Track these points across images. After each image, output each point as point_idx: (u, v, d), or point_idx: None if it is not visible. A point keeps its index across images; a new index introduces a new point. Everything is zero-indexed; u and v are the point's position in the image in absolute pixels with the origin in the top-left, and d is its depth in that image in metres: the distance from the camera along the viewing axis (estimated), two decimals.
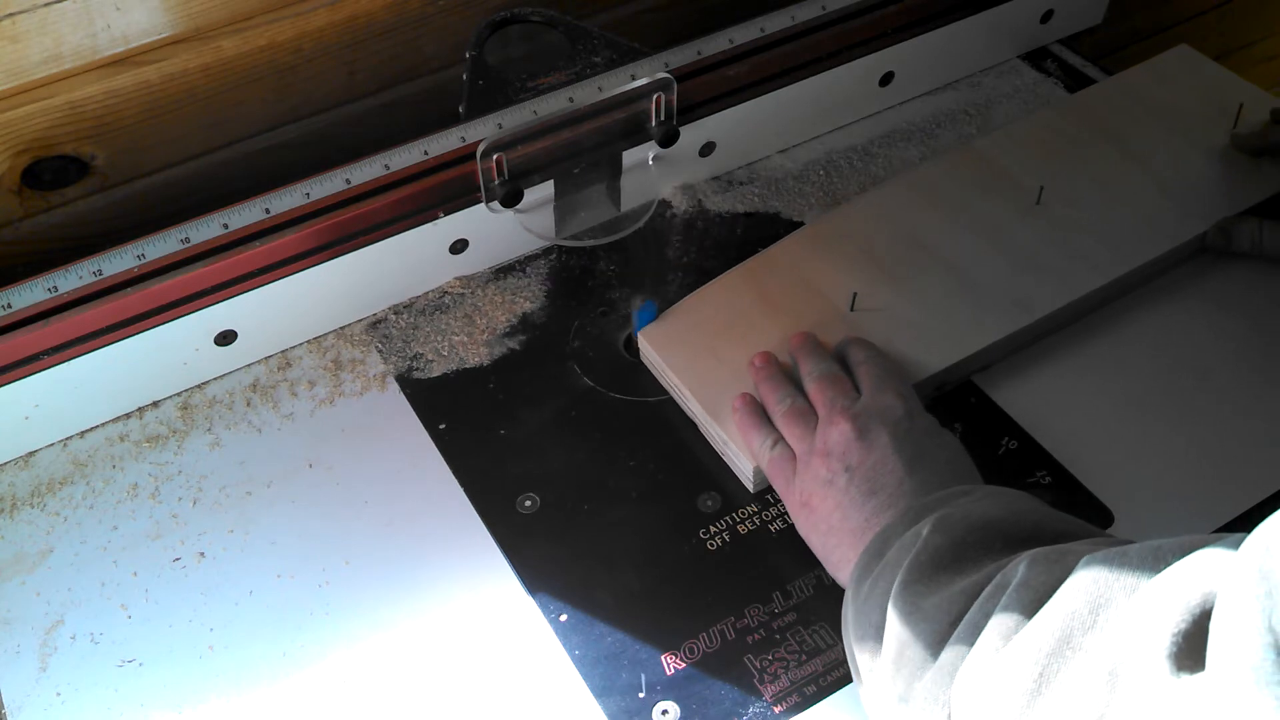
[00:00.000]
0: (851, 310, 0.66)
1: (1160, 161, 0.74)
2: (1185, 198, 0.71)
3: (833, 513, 0.54)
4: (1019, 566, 0.43)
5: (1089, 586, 0.39)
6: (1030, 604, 0.41)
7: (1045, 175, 0.72)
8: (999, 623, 0.42)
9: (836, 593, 0.56)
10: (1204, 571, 0.35)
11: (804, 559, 0.58)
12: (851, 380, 0.60)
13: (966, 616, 0.44)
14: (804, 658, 0.55)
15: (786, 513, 0.60)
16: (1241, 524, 0.59)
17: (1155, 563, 0.38)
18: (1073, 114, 0.78)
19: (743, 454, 0.60)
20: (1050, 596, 0.41)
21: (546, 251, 0.74)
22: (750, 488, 0.61)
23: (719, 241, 0.74)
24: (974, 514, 0.48)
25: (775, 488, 0.59)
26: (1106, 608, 0.38)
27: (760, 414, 0.61)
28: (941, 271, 0.68)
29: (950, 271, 0.68)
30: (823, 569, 0.57)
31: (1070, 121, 0.77)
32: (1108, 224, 0.70)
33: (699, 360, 0.64)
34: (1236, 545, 0.34)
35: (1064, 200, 0.71)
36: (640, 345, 0.67)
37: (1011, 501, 0.50)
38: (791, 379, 0.62)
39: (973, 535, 0.47)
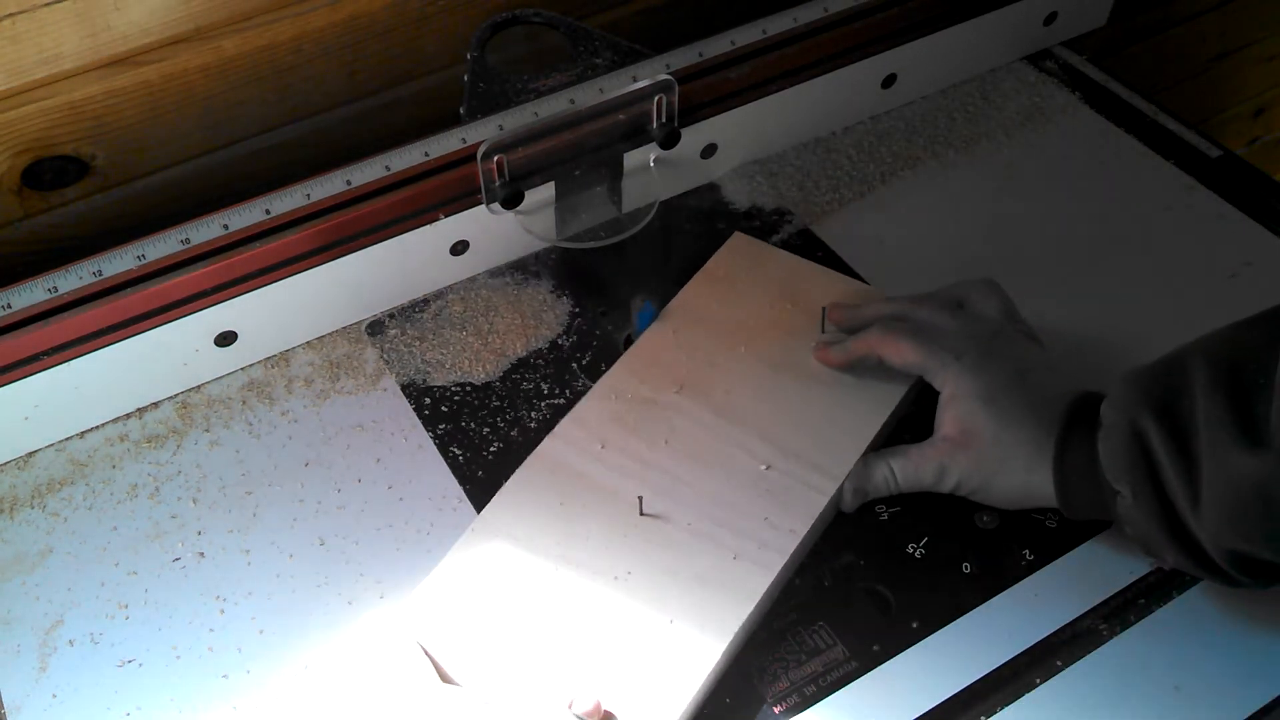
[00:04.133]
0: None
1: (755, 410, 0.61)
2: (797, 454, 0.59)
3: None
4: None
5: None
6: None
7: (636, 469, 0.59)
8: None
9: (836, 593, 0.57)
10: None
11: (803, 559, 0.58)
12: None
13: None
14: (804, 658, 0.55)
15: None
16: None
17: None
18: (642, 365, 0.64)
19: None
20: None
21: (547, 252, 0.74)
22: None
23: (720, 242, 0.74)
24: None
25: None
26: None
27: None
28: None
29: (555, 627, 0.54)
30: (822, 570, 0.57)
31: (643, 375, 0.63)
32: (719, 523, 0.57)
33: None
34: None
35: (664, 497, 0.58)
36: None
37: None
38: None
39: None
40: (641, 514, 0.57)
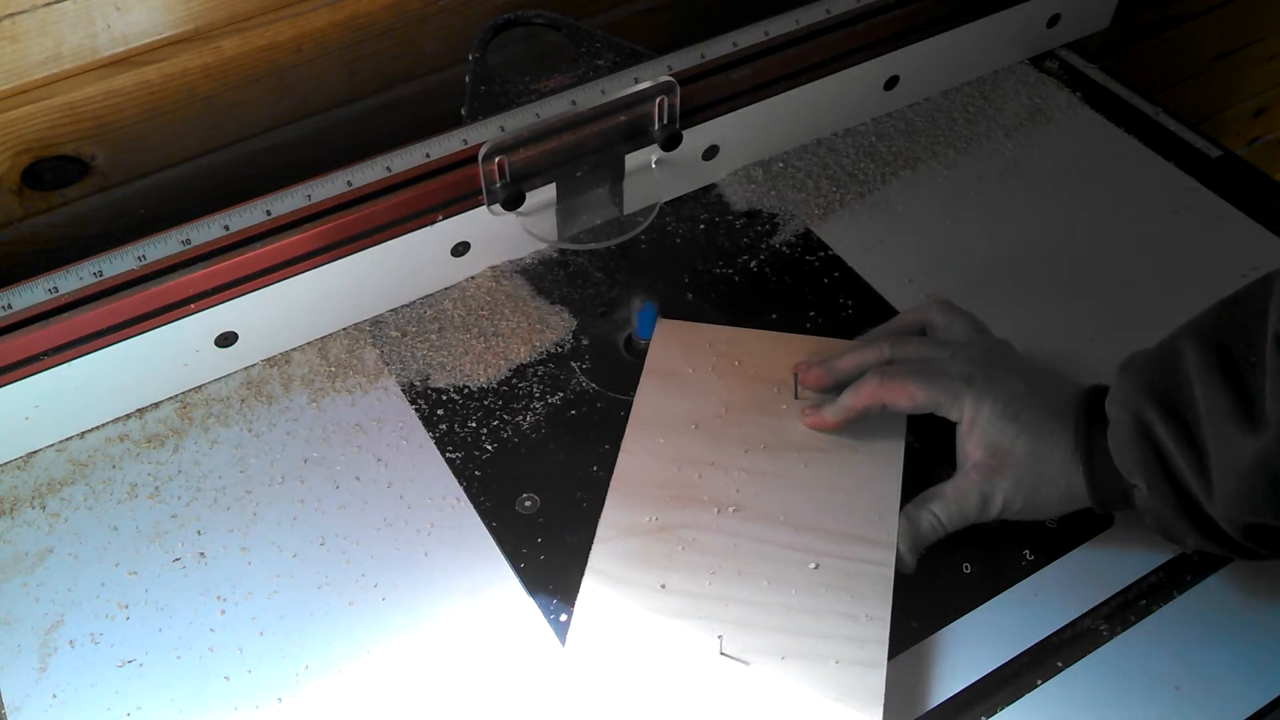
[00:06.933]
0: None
1: (775, 501, 0.58)
2: (841, 534, 0.57)
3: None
4: None
5: None
6: None
7: (690, 607, 0.55)
8: None
9: None
10: None
11: None
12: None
13: None
14: None
15: None
16: None
17: None
18: (635, 490, 0.59)
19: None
20: None
21: (548, 253, 0.74)
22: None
23: (720, 243, 0.74)
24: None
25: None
26: None
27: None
28: None
29: None
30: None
31: (641, 502, 0.59)
32: (802, 634, 0.54)
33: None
34: None
35: (734, 627, 0.54)
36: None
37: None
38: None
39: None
40: (722, 654, 0.53)
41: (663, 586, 0.55)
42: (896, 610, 0.55)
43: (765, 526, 0.58)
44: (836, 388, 0.61)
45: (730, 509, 0.58)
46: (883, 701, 0.51)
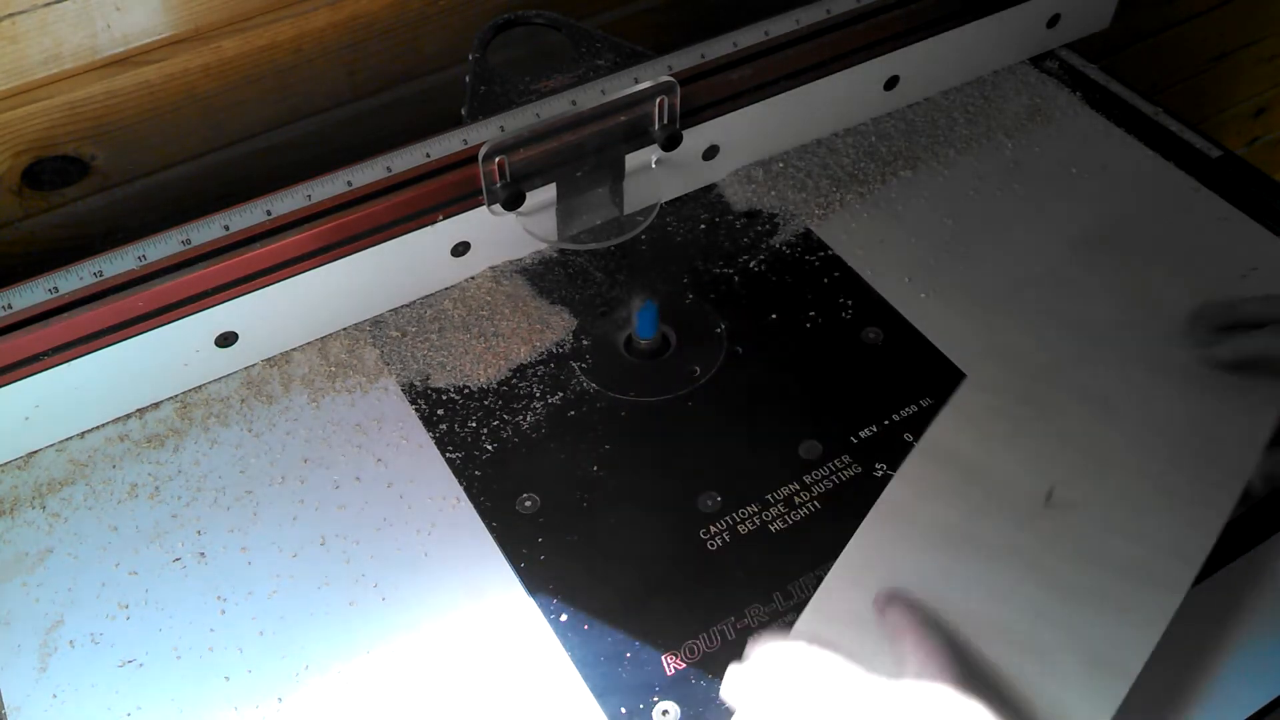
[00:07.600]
0: None
1: (1135, 398, 0.58)
2: (1196, 440, 0.56)
3: None
4: None
5: None
6: None
7: (1026, 460, 0.55)
8: None
9: None
10: None
11: (804, 558, 0.58)
12: None
13: None
14: None
15: (786, 513, 0.60)
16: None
17: None
18: (992, 371, 0.59)
19: None
20: None
21: (548, 253, 0.74)
22: None
23: (720, 243, 0.75)
24: None
25: None
26: None
27: None
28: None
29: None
30: (822, 568, 0.57)
31: (1002, 393, 0.58)
32: (1143, 518, 0.53)
33: None
34: None
35: (1072, 491, 0.54)
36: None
37: None
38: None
39: None
40: (1048, 503, 0.53)
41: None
42: None
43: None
44: (1227, 330, 0.60)
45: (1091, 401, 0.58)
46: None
